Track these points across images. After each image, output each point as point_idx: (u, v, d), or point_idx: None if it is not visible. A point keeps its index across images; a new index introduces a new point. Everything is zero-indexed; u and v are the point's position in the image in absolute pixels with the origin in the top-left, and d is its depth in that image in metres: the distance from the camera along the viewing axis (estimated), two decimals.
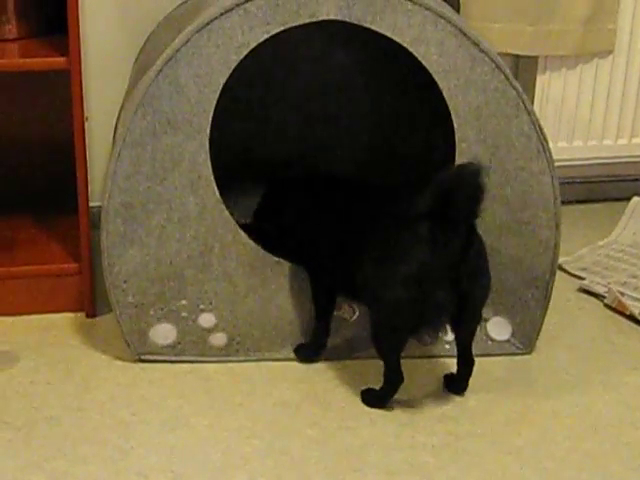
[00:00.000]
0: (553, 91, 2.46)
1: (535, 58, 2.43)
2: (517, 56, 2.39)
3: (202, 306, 1.92)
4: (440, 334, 1.83)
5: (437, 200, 1.68)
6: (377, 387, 1.84)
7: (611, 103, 2.51)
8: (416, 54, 1.83)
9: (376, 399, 1.84)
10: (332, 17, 1.81)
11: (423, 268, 1.71)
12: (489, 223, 1.88)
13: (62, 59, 1.95)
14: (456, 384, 1.89)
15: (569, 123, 2.49)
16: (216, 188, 1.87)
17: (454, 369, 1.89)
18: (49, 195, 2.27)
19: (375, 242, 1.79)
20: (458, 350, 1.86)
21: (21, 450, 1.70)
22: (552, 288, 1.96)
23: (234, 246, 1.90)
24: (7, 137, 2.31)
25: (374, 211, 1.86)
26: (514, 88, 1.86)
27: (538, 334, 1.99)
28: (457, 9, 2.28)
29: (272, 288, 1.93)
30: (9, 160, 2.32)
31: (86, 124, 2.01)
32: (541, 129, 1.89)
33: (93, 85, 2.29)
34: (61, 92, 2.02)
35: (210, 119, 1.83)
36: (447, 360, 1.94)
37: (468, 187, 1.69)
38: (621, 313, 2.15)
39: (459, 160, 1.88)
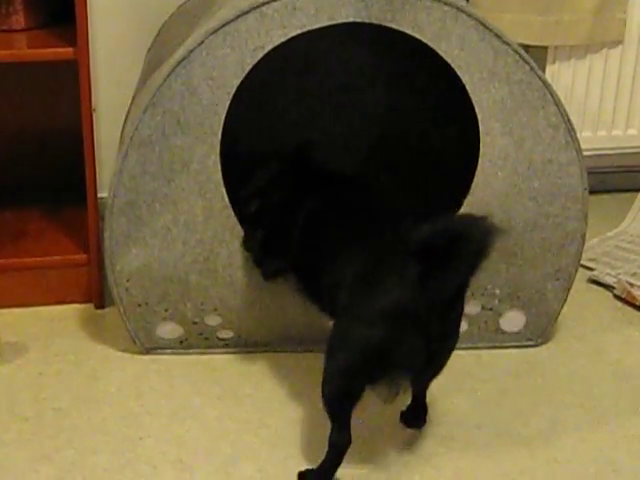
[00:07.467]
0: (562, 81, 2.45)
1: (544, 48, 2.42)
2: (526, 46, 2.37)
3: (207, 309, 1.90)
4: (399, 390, 1.61)
5: (439, 242, 1.50)
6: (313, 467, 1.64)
7: (620, 93, 2.49)
8: (438, 50, 1.79)
9: (320, 476, 1.61)
10: (351, 19, 1.77)
11: (403, 311, 1.53)
12: (515, 219, 1.87)
13: (70, 49, 1.94)
14: (415, 421, 1.77)
15: (578, 113, 2.48)
16: (225, 193, 1.83)
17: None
18: (57, 186, 2.27)
19: (358, 266, 1.62)
20: (413, 393, 1.73)
21: (30, 441, 1.70)
22: (574, 280, 1.94)
23: (241, 254, 1.87)
24: (15, 128, 2.31)
25: (366, 226, 1.72)
26: (540, 79, 1.82)
27: (552, 326, 1.98)
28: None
29: (280, 299, 1.91)
30: (17, 151, 2.32)
31: (94, 115, 2.01)
32: (569, 119, 1.84)
33: (101, 75, 2.29)
34: (69, 83, 2.02)
35: (222, 122, 1.79)
36: (455, 352, 1.93)
37: (480, 241, 1.51)
38: (631, 304, 2.15)
39: (484, 153, 1.84)
